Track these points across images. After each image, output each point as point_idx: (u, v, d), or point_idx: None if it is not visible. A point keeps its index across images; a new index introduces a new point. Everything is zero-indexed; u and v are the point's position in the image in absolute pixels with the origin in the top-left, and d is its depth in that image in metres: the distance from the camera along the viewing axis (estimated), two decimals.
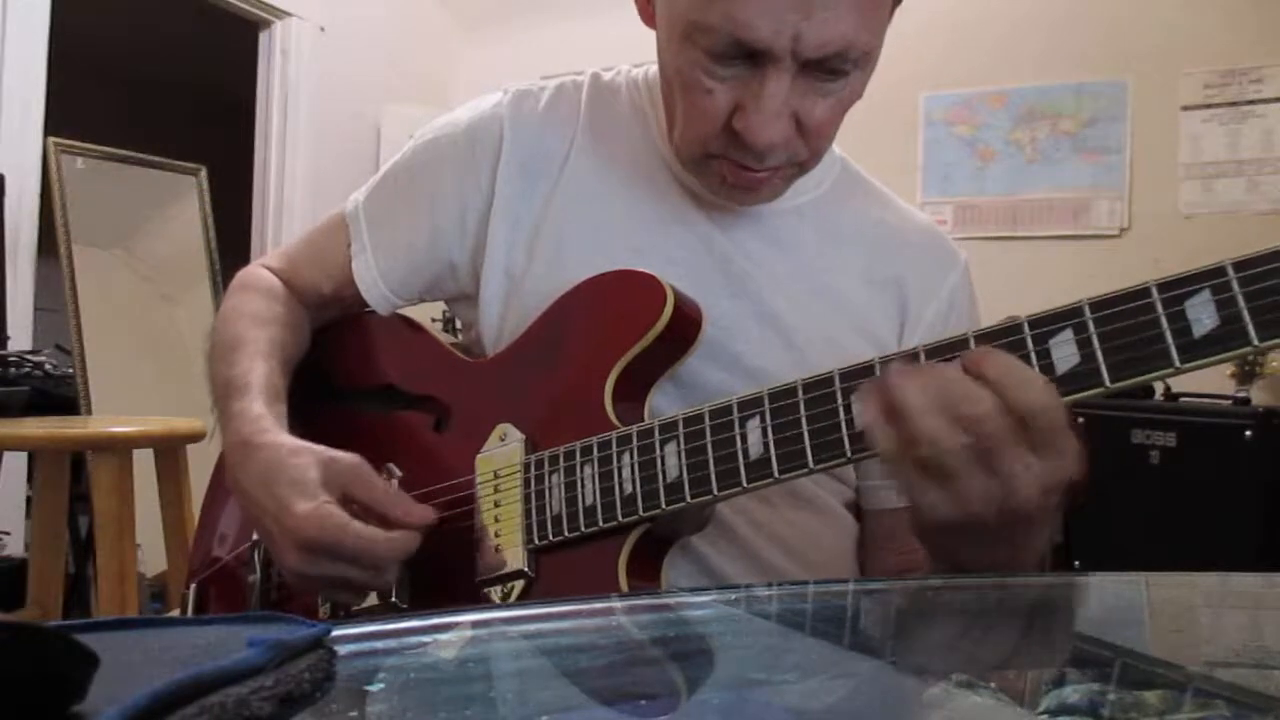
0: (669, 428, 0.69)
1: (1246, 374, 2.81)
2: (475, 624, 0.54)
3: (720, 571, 0.80)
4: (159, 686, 0.29)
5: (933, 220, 0.96)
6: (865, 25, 0.70)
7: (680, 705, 0.39)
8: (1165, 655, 0.51)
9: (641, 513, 0.69)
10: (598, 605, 0.59)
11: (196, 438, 2.16)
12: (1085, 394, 0.55)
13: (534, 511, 0.74)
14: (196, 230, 3.49)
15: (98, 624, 0.39)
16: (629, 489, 0.70)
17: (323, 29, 3.79)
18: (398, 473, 0.83)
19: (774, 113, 0.72)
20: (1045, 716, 0.36)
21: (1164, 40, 3.26)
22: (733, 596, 0.61)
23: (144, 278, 3.38)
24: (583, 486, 0.72)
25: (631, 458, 0.70)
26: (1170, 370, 0.52)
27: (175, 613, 2.11)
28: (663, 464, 0.68)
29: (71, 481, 2.32)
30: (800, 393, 0.64)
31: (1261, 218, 3.15)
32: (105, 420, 2.36)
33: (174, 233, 3.50)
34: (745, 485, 0.65)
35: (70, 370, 2.72)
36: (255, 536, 0.88)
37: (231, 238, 3.60)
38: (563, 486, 0.73)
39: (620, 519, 0.70)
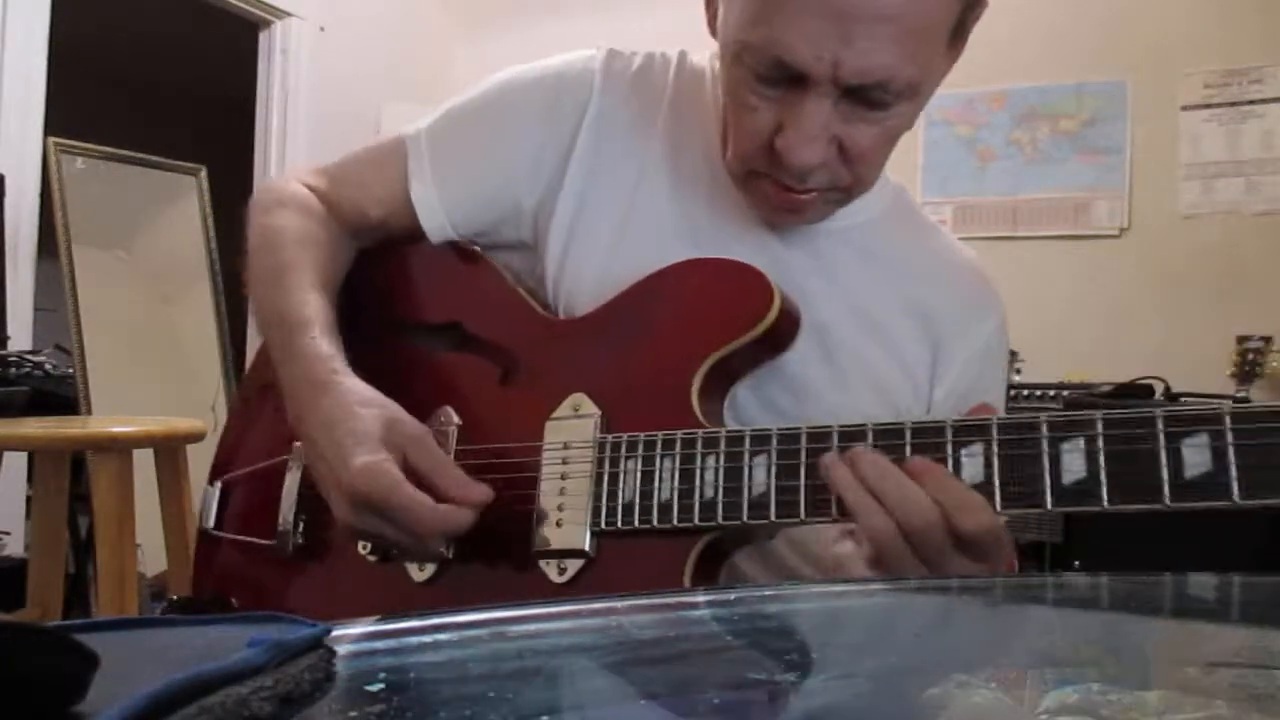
0: (761, 440, 0.67)
1: (1246, 374, 2.81)
2: (475, 624, 0.54)
3: (738, 569, 0.80)
4: (158, 687, 0.29)
5: (978, 259, 0.93)
6: (909, 58, 0.69)
7: (680, 705, 0.39)
8: (1165, 655, 0.51)
9: (720, 520, 0.68)
10: (597, 605, 0.59)
11: (196, 438, 2.16)
12: (1210, 505, 0.54)
13: (605, 494, 0.73)
14: (196, 230, 3.49)
15: (98, 624, 0.39)
16: (710, 494, 0.68)
17: (322, 28, 3.79)
18: (456, 419, 0.81)
19: (812, 135, 0.72)
20: (1045, 716, 0.36)
21: (1164, 40, 3.26)
22: (732, 596, 0.62)
23: (144, 278, 3.38)
24: (660, 480, 0.70)
25: (717, 462, 0.68)
26: None
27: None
28: (750, 477, 0.67)
29: (71, 481, 2.32)
30: (908, 435, 0.63)
31: (1261, 218, 3.15)
32: (105, 420, 2.36)
33: (174, 233, 3.50)
34: (835, 515, 0.65)
35: (70, 370, 2.72)
36: (293, 457, 0.86)
37: (231, 238, 3.59)
38: (639, 475, 0.71)
39: (696, 522, 0.69)
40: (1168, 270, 3.21)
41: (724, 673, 0.45)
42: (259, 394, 0.94)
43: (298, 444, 0.85)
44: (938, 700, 0.39)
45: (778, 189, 0.77)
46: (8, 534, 2.77)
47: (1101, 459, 0.57)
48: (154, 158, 3.43)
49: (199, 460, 2.23)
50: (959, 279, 0.89)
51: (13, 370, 2.27)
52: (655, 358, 0.76)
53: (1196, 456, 0.54)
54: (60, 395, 2.49)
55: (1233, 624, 0.61)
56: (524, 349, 0.83)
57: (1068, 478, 0.58)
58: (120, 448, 1.97)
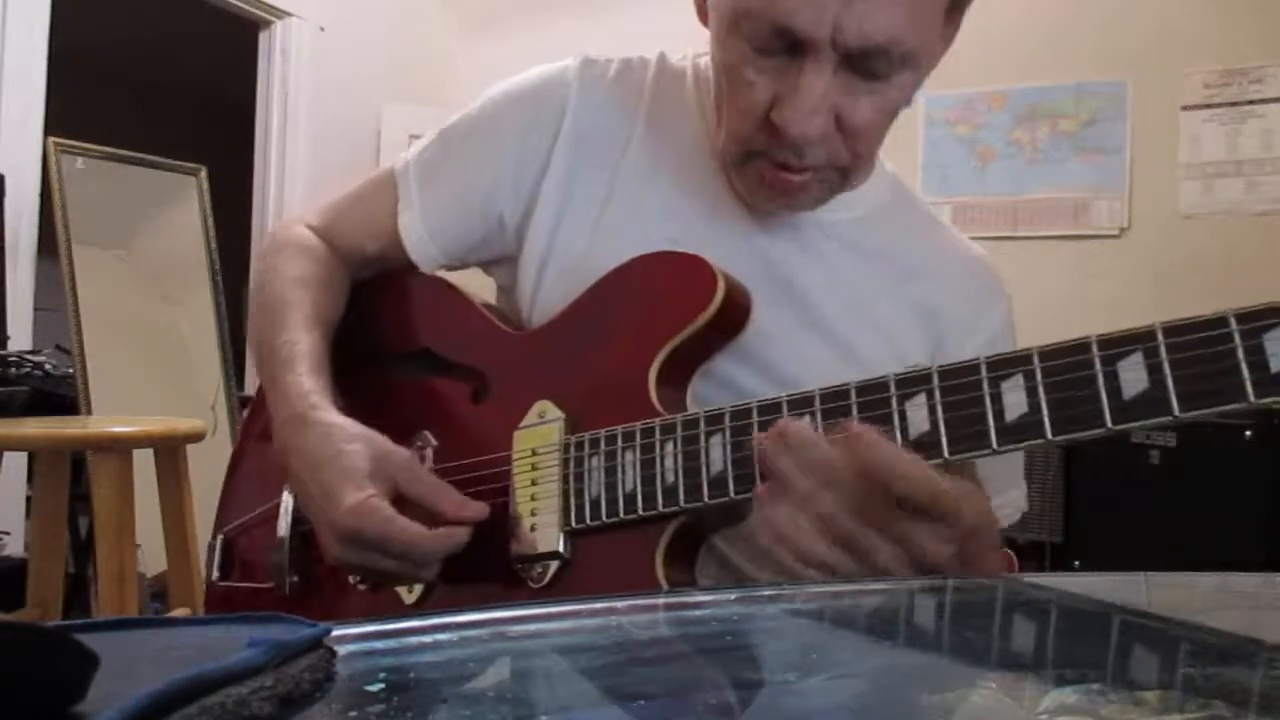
0: (715, 420, 0.68)
1: None
2: (476, 624, 0.54)
3: (740, 569, 0.80)
4: (159, 687, 0.29)
5: (982, 251, 0.93)
6: (910, 23, 0.69)
7: (679, 705, 0.39)
8: (1165, 655, 0.51)
9: (682, 504, 0.68)
10: (598, 605, 0.59)
11: (196, 438, 2.16)
12: (1153, 421, 0.53)
13: (572, 494, 0.73)
14: (196, 230, 3.49)
15: (98, 624, 0.39)
16: (671, 479, 0.69)
17: (323, 29, 3.79)
18: (433, 441, 0.83)
19: (811, 106, 0.71)
20: (1045, 716, 0.36)
21: (1164, 40, 3.26)
22: (732, 596, 0.61)
23: (144, 278, 3.38)
24: (623, 472, 0.71)
25: (675, 447, 0.69)
26: (1244, 405, 0.51)
27: (179, 611, 2.11)
28: (707, 456, 0.68)
29: (71, 481, 2.32)
30: (854, 395, 0.63)
31: (1261, 218, 3.15)
32: (105, 420, 2.36)
33: (174, 233, 3.50)
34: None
35: (70, 370, 2.72)
36: (285, 495, 0.87)
37: (231, 238, 3.60)
38: (603, 471, 0.72)
39: (660, 508, 0.69)
40: (1167, 270, 3.21)
41: (723, 673, 0.45)
42: (254, 443, 0.96)
43: (288, 486, 0.87)
44: (938, 700, 0.39)
45: (774, 169, 0.76)
46: (8, 534, 2.77)
47: (1041, 391, 0.57)
48: (154, 158, 3.43)
49: (199, 460, 2.24)
50: (960, 273, 0.88)
51: (13, 370, 2.27)
52: (611, 356, 0.77)
53: (1133, 375, 0.54)
54: (60, 395, 2.49)
55: (1233, 624, 0.61)
56: (491, 366, 0.84)
57: (1010, 414, 0.58)
58: (120, 448, 1.97)
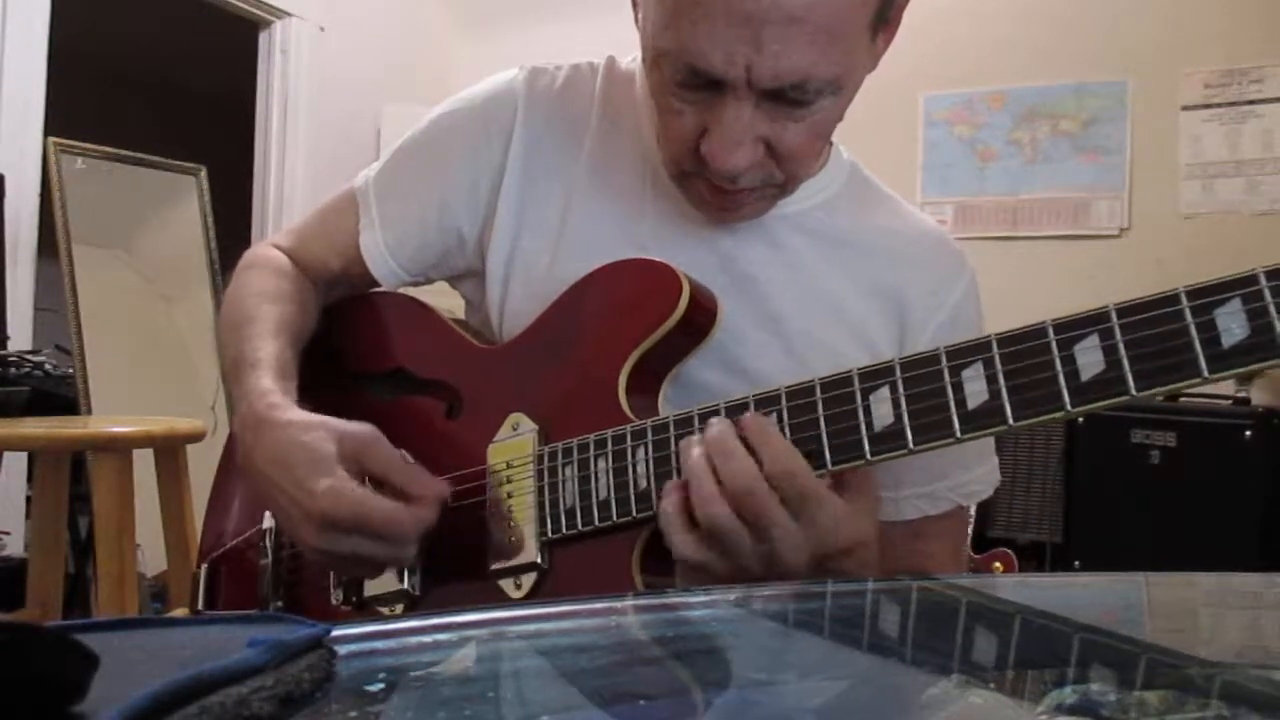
0: (684, 423, 0.69)
1: (1246, 374, 2.82)
2: (475, 624, 0.54)
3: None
4: (159, 686, 0.29)
5: (941, 228, 0.93)
6: (826, 56, 0.68)
7: (680, 706, 0.39)
8: (1165, 655, 0.51)
9: (655, 508, 0.68)
10: (597, 605, 0.59)
11: (196, 438, 2.16)
12: (1110, 401, 0.54)
13: (547, 504, 0.74)
14: (196, 230, 3.49)
15: (98, 624, 0.39)
16: (643, 484, 0.69)
17: (322, 29, 3.79)
18: (409, 459, 0.83)
19: (734, 140, 0.71)
20: (1045, 716, 0.36)
21: (1164, 40, 3.26)
22: (732, 596, 0.62)
23: (144, 278, 3.38)
24: (596, 480, 0.71)
25: (646, 452, 0.70)
26: (1198, 380, 0.52)
27: (179, 612, 2.11)
28: (677, 460, 0.68)
29: (71, 481, 2.32)
30: (818, 391, 0.64)
31: (1261, 218, 3.15)
32: (105, 420, 2.36)
33: (174, 233, 3.50)
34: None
35: (70, 370, 2.72)
36: (267, 522, 0.88)
37: (231, 238, 3.59)
38: (576, 479, 0.73)
39: (634, 514, 0.70)
40: (1168, 270, 3.21)
41: (723, 672, 0.45)
42: (234, 469, 0.96)
43: (269, 513, 0.87)
44: (938, 700, 0.39)
45: (711, 188, 0.77)
46: (8, 534, 2.77)
47: (1001, 378, 0.57)
48: (154, 158, 3.43)
49: (199, 460, 2.23)
50: (921, 252, 0.88)
51: (13, 370, 2.27)
52: (581, 365, 0.78)
53: (1089, 358, 0.55)
54: (60, 395, 2.49)
55: (1232, 624, 0.61)
56: (463, 382, 0.85)
57: (972, 402, 0.58)
58: (120, 448, 1.97)
